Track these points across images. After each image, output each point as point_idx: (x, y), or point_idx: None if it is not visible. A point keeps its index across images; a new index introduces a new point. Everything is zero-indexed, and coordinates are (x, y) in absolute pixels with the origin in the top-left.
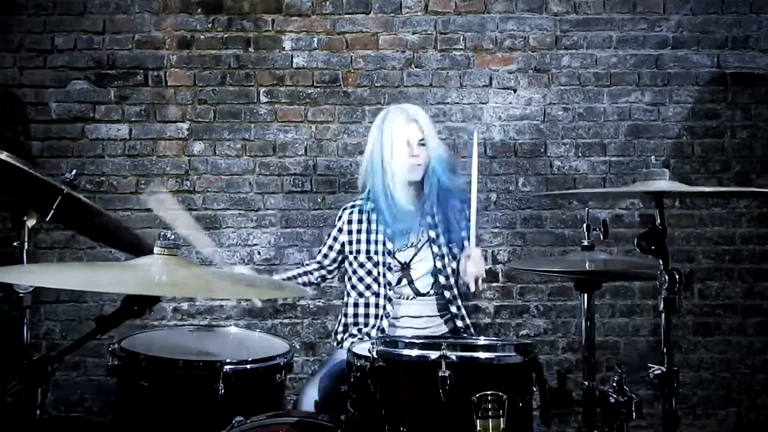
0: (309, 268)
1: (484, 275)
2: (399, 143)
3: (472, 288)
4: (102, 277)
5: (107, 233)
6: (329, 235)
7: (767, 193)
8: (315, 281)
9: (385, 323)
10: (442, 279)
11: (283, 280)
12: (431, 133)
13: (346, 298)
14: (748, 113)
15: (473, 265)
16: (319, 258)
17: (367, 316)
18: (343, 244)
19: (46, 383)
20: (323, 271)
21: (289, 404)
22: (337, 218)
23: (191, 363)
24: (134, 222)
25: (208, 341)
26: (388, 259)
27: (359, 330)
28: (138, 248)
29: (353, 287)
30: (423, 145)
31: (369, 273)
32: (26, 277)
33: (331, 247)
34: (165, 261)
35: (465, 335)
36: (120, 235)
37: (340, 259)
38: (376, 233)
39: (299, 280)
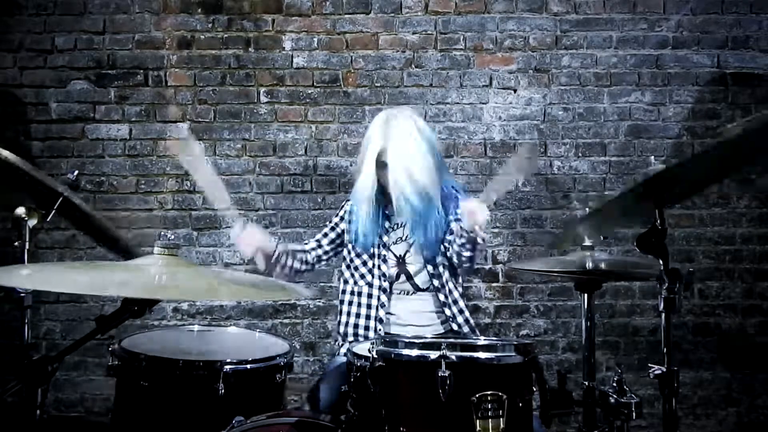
0: (307, 247)
1: (485, 220)
2: (368, 161)
3: (477, 233)
4: (105, 279)
5: (103, 235)
6: (331, 219)
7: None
8: (311, 261)
9: (381, 313)
10: (430, 268)
11: (282, 253)
12: (397, 151)
13: (342, 286)
14: (748, 113)
15: (471, 212)
16: (318, 236)
17: (359, 305)
18: (343, 231)
19: (46, 383)
20: (320, 251)
21: (290, 404)
22: (340, 206)
23: (191, 363)
24: (134, 222)
25: (208, 341)
26: (383, 251)
27: (356, 325)
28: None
29: (351, 276)
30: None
31: (364, 263)
32: (28, 280)
33: (332, 229)
34: (165, 261)
35: (466, 332)
36: (113, 240)
37: (338, 242)
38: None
39: (297, 256)
